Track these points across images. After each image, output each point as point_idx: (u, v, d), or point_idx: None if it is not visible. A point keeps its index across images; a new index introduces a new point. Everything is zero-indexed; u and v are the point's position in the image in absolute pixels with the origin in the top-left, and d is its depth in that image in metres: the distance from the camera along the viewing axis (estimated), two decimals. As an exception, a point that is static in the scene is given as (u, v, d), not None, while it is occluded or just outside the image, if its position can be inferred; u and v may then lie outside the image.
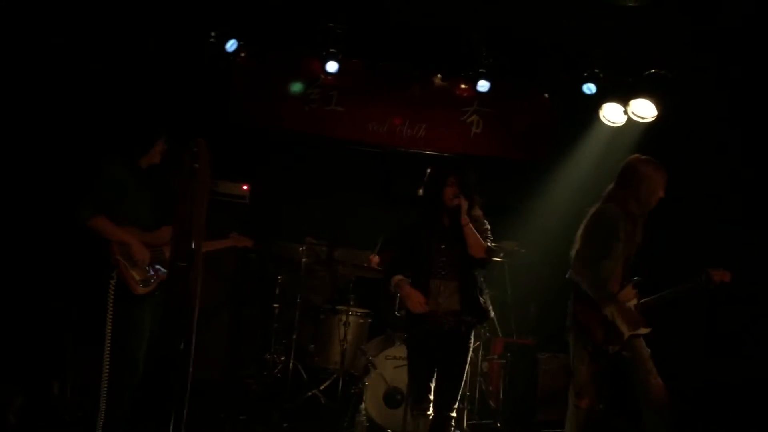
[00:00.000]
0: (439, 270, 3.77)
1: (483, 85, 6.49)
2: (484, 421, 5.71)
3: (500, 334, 6.25)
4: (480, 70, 6.42)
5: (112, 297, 3.73)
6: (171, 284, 3.06)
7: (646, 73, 6.10)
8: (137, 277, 3.85)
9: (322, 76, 6.61)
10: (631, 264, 3.96)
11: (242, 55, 6.27)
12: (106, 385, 3.74)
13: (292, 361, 5.79)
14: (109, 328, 3.72)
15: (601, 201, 4.00)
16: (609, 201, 3.94)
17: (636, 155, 4.06)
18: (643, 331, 3.90)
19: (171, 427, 2.94)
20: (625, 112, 6.26)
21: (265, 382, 5.92)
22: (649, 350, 3.88)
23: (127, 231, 3.85)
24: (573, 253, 3.99)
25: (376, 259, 6.15)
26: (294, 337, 5.83)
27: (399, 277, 3.83)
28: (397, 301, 5.57)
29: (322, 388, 5.71)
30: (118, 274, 3.78)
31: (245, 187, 6.19)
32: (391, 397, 5.10)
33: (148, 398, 3.93)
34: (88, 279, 3.91)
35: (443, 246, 3.80)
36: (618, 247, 3.83)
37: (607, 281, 3.85)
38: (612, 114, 6.35)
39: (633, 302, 3.91)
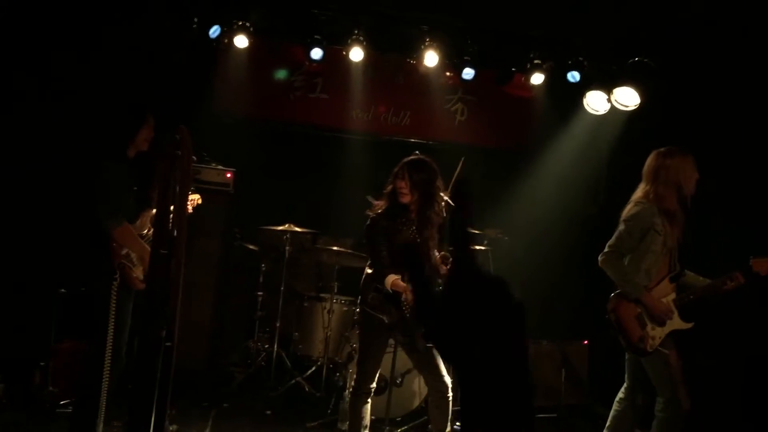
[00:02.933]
0: None
1: (468, 73, 6.47)
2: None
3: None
4: (465, 58, 6.40)
5: (114, 297, 3.72)
6: (152, 272, 3.03)
7: (630, 61, 6.13)
8: (140, 276, 3.85)
9: (307, 63, 6.56)
10: (675, 259, 3.84)
11: (225, 41, 6.20)
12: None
13: (275, 349, 5.78)
14: (111, 326, 3.70)
15: (634, 204, 3.84)
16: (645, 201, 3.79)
17: (656, 151, 3.89)
18: (683, 326, 3.78)
19: (154, 416, 2.93)
20: (609, 100, 6.29)
21: (249, 370, 5.91)
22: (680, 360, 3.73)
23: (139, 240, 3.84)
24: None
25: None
26: (278, 324, 5.82)
27: (393, 277, 3.84)
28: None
29: (306, 375, 5.71)
30: (122, 273, 3.78)
31: (229, 175, 6.14)
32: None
33: (131, 387, 3.91)
34: (89, 276, 3.89)
35: (418, 239, 3.89)
36: (658, 240, 3.73)
37: (650, 274, 3.76)
38: (595, 102, 6.39)
39: (670, 297, 3.80)
